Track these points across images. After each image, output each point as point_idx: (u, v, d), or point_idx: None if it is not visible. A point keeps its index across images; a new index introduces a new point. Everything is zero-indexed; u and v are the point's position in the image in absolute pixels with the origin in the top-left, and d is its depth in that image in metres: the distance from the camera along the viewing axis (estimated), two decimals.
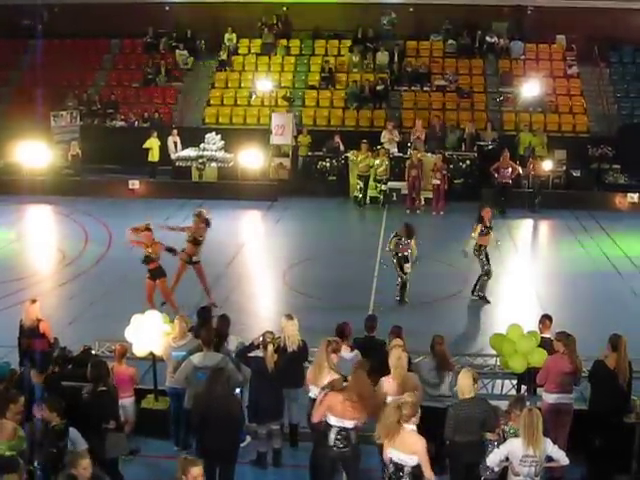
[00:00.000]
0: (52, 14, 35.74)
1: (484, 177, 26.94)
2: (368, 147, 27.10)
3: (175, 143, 29.58)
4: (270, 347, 11.06)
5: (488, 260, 17.90)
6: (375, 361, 11.20)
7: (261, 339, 11.22)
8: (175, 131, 29.97)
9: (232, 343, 12.03)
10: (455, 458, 9.83)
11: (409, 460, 8.94)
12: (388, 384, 10.47)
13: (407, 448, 8.92)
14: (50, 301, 17.59)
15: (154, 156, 29.37)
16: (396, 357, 10.55)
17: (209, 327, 11.99)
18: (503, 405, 10.23)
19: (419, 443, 8.95)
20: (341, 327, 11.85)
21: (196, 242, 17.21)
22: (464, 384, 9.80)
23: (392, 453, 9.00)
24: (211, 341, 11.34)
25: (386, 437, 8.99)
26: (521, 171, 26.55)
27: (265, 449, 11.49)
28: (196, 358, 11.16)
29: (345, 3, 34.46)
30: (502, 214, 25.54)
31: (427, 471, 8.95)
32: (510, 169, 26.03)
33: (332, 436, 9.68)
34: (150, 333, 11.97)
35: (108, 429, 10.43)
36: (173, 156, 29.23)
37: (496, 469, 9.29)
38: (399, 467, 9.01)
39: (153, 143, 29.25)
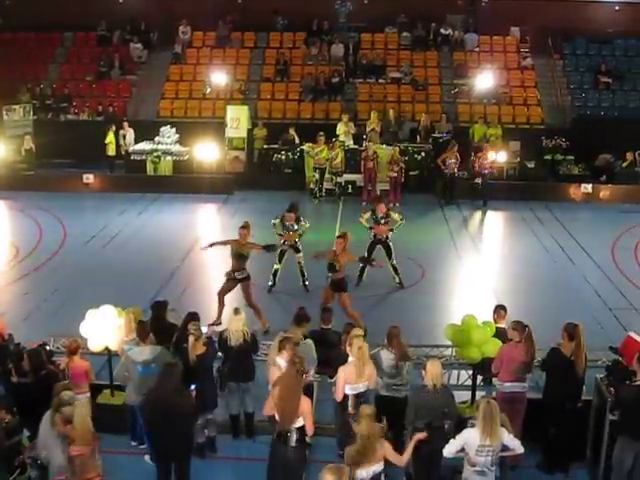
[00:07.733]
0: (3, 6, 35.30)
1: (438, 169, 27.01)
2: (325, 139, 27.09)
3: (124, 136, 29.33)
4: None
5: (370, 252, 18.07)
6: (331, 353, 11.26)
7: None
8: (126, 124, 29.72)
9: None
10: (417, 445, 9.73)
11: (379, 468, 8.82)
12: (345, 373, 10.52)
13: (378, 459, 8.79)
14: (4, 297, 17.49)
15: (112, 150, 29.15)
16: (357, 347, 10.56)
17: (146, 321, 11.99)
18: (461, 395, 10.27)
19: (388, 449, 8.89)
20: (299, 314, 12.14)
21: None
22: (436, 372, 9.83)
23: (364, 473, 8.67)
24: (146, 335, 11.37)
25: (371, 459, 8.69)
26: (477, 163, 26.71)
27: (202, 439, 11.45)
28: (134, 353, 11.18)
29: None
30: (451, 205, 26.15)
31: (400, 461, 9.12)
32: (454, 160, 26.26)
33: None
34: (105, 328, 11.87)
35: None
36: (124, 149, 29.09)
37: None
38: None
39: (111, 137, 29.02)
